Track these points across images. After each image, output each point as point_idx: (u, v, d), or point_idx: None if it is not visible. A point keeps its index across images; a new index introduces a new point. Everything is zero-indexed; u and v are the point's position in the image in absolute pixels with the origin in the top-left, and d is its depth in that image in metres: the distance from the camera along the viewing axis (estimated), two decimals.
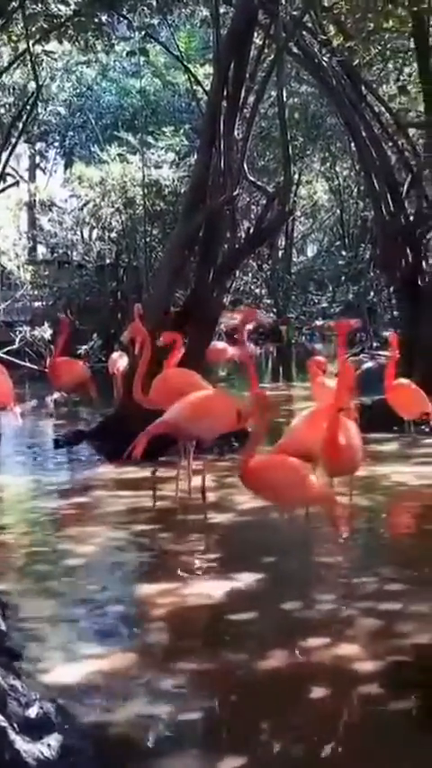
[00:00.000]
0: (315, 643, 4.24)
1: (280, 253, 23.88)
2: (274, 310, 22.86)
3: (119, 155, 17.03)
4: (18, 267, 17.59)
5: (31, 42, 11.75)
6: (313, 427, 6.11)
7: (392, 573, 5.27)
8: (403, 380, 8.93)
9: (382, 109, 11.97)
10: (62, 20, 11.47)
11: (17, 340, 14.64)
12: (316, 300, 23.24)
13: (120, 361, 10.48)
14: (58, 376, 9.58)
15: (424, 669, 4.03)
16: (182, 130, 18.48)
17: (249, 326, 7.20)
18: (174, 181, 16.76)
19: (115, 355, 10.80)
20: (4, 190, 15.35)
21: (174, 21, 14.66)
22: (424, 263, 11.60)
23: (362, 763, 3.33)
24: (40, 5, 11.18)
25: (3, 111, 18.87)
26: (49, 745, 3.23)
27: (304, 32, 11.07)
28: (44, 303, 16.75)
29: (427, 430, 9.25)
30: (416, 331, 10.43)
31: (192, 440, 6.82)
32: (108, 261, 18.11)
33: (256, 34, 10.27)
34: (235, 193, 9.59)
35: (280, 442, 6.28)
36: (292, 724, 3.57)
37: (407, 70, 12.80)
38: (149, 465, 7.79)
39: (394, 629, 4.41)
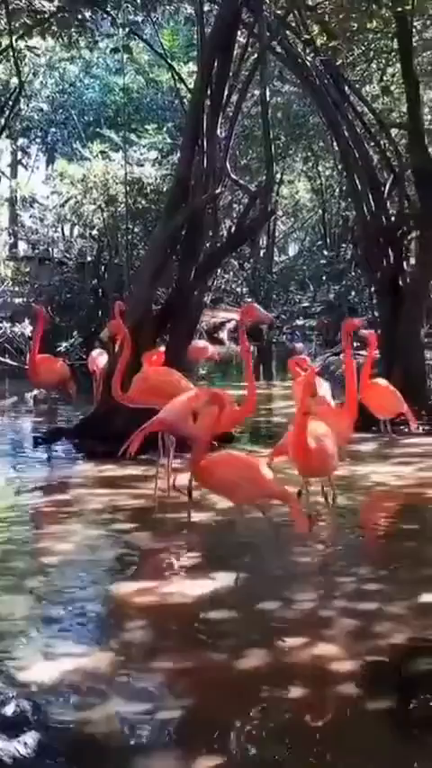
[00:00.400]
0: (293, 643, 4.25)
1: (261, 252, 23.91)
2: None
3: (101, 152, 16.92)
4: None
5: (14, 38, 11.69)
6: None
7: (370, 573, 5.29)
8: (379, 380, 8.92)
9: (365, 109, 11.97)
10: (46, 15, 11.41)
11: None
12: (297, 300, 23.26)
13: (99, 358, 10.44)
14: (38, 373, 9.51)
15: (400, 669, 4.04)
16: (165, 128, 18.46)
17: (248, 323, 7.18)
18: (156, 179, 16.70)
19: (95, 353, 10.75)
20: None
21: (158, 18, 14.59)
22: (405, 264, 11.66)
23: (339, 763, 3.33)
24: (23, 1, 11.11)
25: None
26: (25, 744, 3.25)
27: (288, 32, 11.07)
28: (25, 300, 16.63)
29: (405, 430, 9.31)
30: (396, 331, 10.45)
31: (186, 438, 6.77)
32: (89, 258, 18.04)
33: (239, 33, 10.28)
34: (217, 192, 9.61)
35: (281, 442, 6.32)
36: (270, 724, 3.57)
37: (390, 70, 12.78)
38: (130, 463, 7.80)
39: (371, 629, 4.43)
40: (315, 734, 3.52)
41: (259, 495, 5.43)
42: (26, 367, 10.06)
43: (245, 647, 4.19)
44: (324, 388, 7.33)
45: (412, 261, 12.24)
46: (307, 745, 3.41)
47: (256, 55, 10.61)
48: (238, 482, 5.23)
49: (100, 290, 17.12)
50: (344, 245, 21.15)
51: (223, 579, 5.07)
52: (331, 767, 3.30)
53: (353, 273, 19.03)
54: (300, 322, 22.30)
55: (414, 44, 10.63)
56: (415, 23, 10.38)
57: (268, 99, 10.66)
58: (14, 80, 14.97)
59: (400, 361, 10.19)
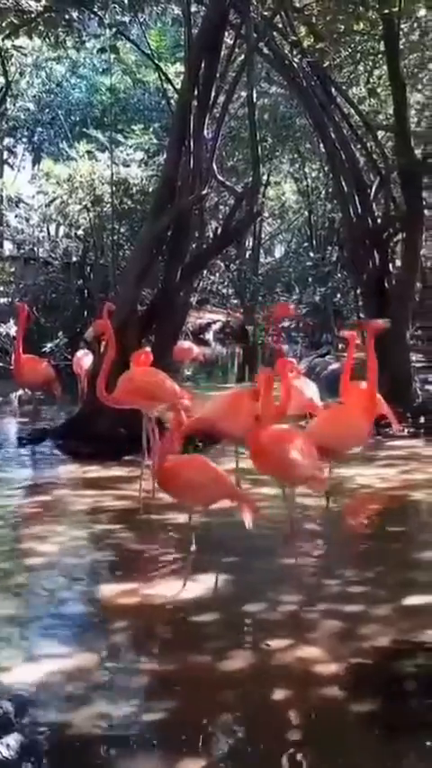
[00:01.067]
0: (277, 645, 4.25)
1: (247, 253, 23.87)
2: (241, 310, 22.85)
3: (87, 152, 16.83)
4: None
5: (0, 37, 11.62)
6: (330, 421, 6.36)
7: (355, 575, 5.29)
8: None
9: (352, 111, 12.02)
10: (32, 15, 11.35)
11: None
12: (283, 301, 23.25)
13: (84, 359, 10.37)
14: (22, 374, 9.42)
15: (384, 671, 4.05)
16: (151, 129, 18.37)
17: (284, 322, 7.14)
18: (142, 179, 16.63)
19: (80, 353, 10.68)
20: None
21: (145, 18, 14.55)
22: (391, 266, 11.65)
23: (323, 765, 3.33)
24: (10, 0, 11.05)
25: None
26: (8, 745, 3.26)
27: (275, 33, 11.07)
28: (9, 300, 16.53)
29: (390, 432, 9.30)
30: (382, 333, 10.44)
31: (224, 437, 6.80)
32: (75, 258, 17.90)
33: (227, 34, 10.26)
34: (204, 193, 9.59)
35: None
36: (254, 726, 3.58)
37: (377, 72, 12.80)
38: (115, 464, 7.84)
39: (356, 631, 4.43)
40: (299, 736, 3.52)
41: (221, 497, 5.32)
42: (11, 367, 9.97)
43: (229, 649, 4.19)
44: (312, 389, 7.34)
45: (398, 263, 12.21)
46: (290, 748, 3.40)
47: (243, 56, 10.63)
48: (204, 483, 5.15)
49: (85, 291, 17.04)
50: (330, 247, 21.15)
51: (208, 581, 5.08)
52: None
53: (339, 275, 19.04)
54: (286, 324, 22.27)
55: (401, 46, 10.69)
56: (402, 26, 10.40)
57: (255, 100, 10.67)
58: (0, 80, 14.92)
59: (386, 363, 10.16)
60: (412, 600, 4.88)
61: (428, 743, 3.45)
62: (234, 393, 6.82)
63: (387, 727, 3.57)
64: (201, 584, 5.03)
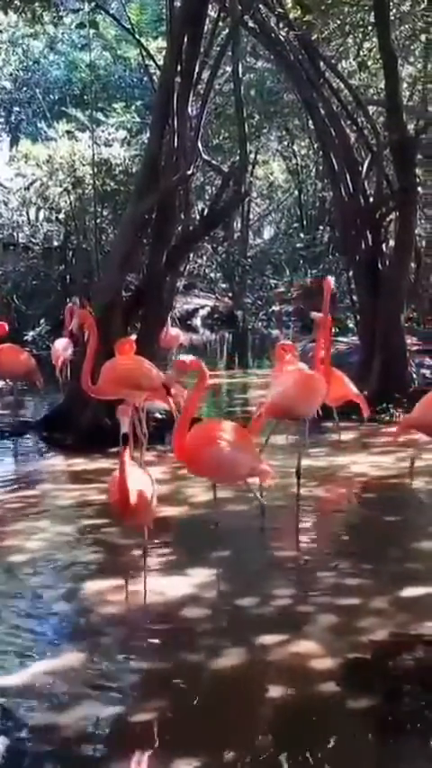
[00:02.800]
0: (271, 640, 4.21)
1: (236, 235, 23.68)
2: (230, 295, 22.59)
3: (67, 132, 16.69)
4: None
5: None
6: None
7: (350, 567, 5.23)
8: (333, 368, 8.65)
9: (342, 85, 11.79)
10: None
11: None
12: (273, 284, 23.07)
13: (61, 348, 10.33)
14: (2, 365, 9.22)
15: (381, 666, 3.95)
16: (133, 107, 18.23)
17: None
18: (125, 159, 16.45)
19: (58, 344, 10.55)
20: None
21: None
22: (384, 246, 11.44)
23: (319, 763, 3.27)
24: None
25: None
26: None
27: (261, 5, 10.76)
28: None
29: (357, 419, 9.11)
30: (376, 316, 10.24)
31: (295, 419, 6.67)
32: (56, 243, 17.84)
33: (210, 6, 10.02)
34: (189, 173, 9.41)
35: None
36: (248, 724, 3.54)
37: (366, 45, 12.55)
38: (100, 457, 7.76)
39: (352, 625, 4.37)
40: (294, 734, 3.48)
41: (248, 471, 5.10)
42: None
43: (222, 646, 4.15)
44: None
45: (391, 243, 11.95)
46: (286, 746, 3.38)
47: (227, 30, 10.37)
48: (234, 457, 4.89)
49: (67, 277, 16.91)
50: (321, 228, 20.94)
51: (199, 576, 5.00)
52: (311, 767, 3.25)
53: (330, 257, 18.82)
54: (276, 307, 22.08)
55: (391, 17, 10.46)
56: None
57: (241, 76, 10.55)
58: None
59: (381, 346, 10.00)
60: (410, 591, 4.80)
61: (428, 740, 3.41)
62: (302, 374, 6.70)
63: (384, 724, 3.50)
64: (192, 579, 4.97)
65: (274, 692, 3.77)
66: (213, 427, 5.15)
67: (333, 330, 14.54)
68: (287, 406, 6.25)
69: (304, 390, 6.29)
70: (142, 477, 4.63)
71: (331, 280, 7.38)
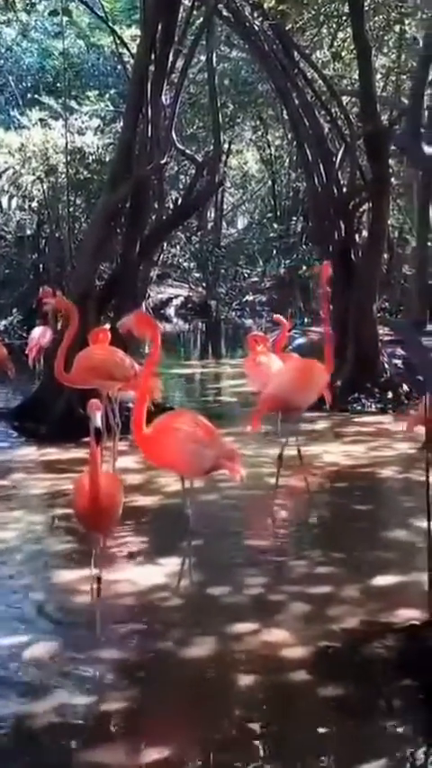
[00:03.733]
0: (243, 629, 4.20)
1: (209, 225, 23.59)
2: (203, 284, 22.55)
3: (40, 119, 16.49)
4: None
5: None
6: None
7: (322, 556, 5.23)
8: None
9: (315, 75, 11.78)
10: None
11: None
12: (246, 275, 23.05)
13: (38, 336, 10.22)
14: None
15: (353, 654, 3.94)
16: (107, 95, 18.03)
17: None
18: (98, 148, 16.32)
19: (35, 332, 10.45)
20: None
21: None
22: (357, 237, 11.47)
23: (290, 750, 3.28)
24: None
25: None
26: None
27: None
28: None
29: (358, 408, 9.21)
30: (348, 306, 10.25)
31: (294, 410, 6.57)
32: (29, 232, 17.67)
33: None
34: (163, 162, 9.41)
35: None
36: (219, 713, 3.51)
37: (341, 35, 12.58)
38: (73, 446, 7.67)
39: (323, 613, 4.37)
40: (265, 722, 3.45)
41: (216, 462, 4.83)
42: None
43: (193, 635, 4.13)
44: (278, 365, 7.31)
45: (364, 233, 12.01)
46: (257, 734, 3.37)
47: (201, 18, 10.43)
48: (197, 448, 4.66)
49: (40, 266, 16.74)
50: (294, 218, 20.91)
51: (171, 565, 4.95)
52: (283, 756, 3.25)
53: (303, 247, 18.82)
54: (249, 297, 22.07)
55: (366, 8, 10.45)
56: None
57: (215, 65, 10.46)
58: None
59: (353, 336, 10.02)
60: (380, 580, 4.79)
61: (397, 727, 3.39)
62: (303, 364, 6.66)
63: (355, 712, 3.48)
64: (164, 569, 4.94)
65: (246, 680, 3.75)
66: (176, 418, 4.89)
67: (306, 320, 14.60)
68: (286, 398, 6.23)
69: (303, 382, 6.25)
70: (112, 483, 4.37)
71: (329, 265, 7.23)
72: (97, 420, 3.94)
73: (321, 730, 3.39)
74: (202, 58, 13.02)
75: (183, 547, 5.13)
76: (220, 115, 10.78)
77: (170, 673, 3.84)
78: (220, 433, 5.30)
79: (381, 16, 11.97)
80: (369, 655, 3.91)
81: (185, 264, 24.08)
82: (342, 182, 11.22)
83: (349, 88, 12.81)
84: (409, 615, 4.23)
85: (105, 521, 4.23)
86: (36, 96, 18.80)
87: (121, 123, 11.16)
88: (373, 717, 3.45)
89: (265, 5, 10.38)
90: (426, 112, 10.64)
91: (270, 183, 23.28)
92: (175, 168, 17.88)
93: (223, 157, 17.85)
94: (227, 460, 4.81)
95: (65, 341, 6.73)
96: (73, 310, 6.91)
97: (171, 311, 21.60)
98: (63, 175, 15.50)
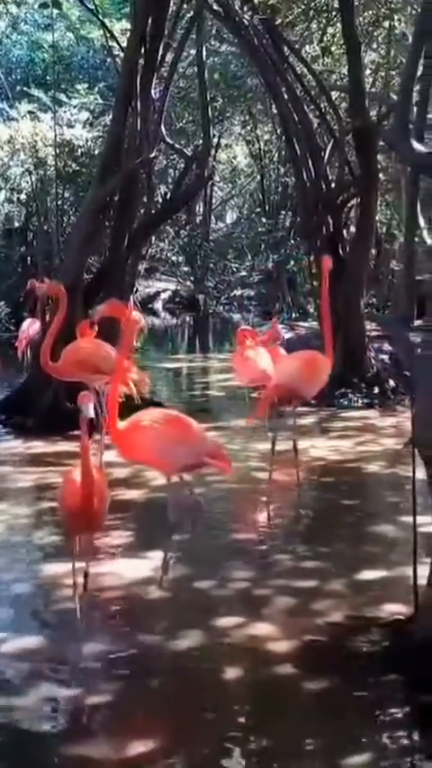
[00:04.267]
0: (229, 623, 4.21)
1: (198, 219, 23.54)
2: (191, 279, 22.52)
3: (29, 112, 16.41)
4: None
5: None
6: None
7: (308, 550, 5.24)
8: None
9: (305, 70, 11.76)
10: None
11: None
12: (235, 269, 23.02)
13: (27, 328, 10.21)
14: None
15: (338, 648, 3.96)
16: (96, 88, 17.96)
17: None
18: (87, 141, 16.32)
19: (25, 325, 10.42)
20: None
21: None
22: (345, 232, 11.47)
23: (275, 744, 3.27)
24: None
25: None
26: None
27: None
28: None
29: (345, 403, 9.25)
30: (336, 301, 10.25)
31: (299, 400, 6.66)
32: (17, 224, 17.66)
33: None
34: (152, 156, 9.39)
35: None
36: (204, 706, 3.52)
37: (330, 30, 12.54)
38: (60, 439, 7.67)
39: (309, 607, 4.38)
40: (250, 716, 3.47)
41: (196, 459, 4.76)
42: None
43: (179, 629, 4.13)
44: (266, 360, 7.31)
45: (352, 229, 12.01)
46: (243, 727, 3.38)
47: (192, 12, 10.38)
48: (174, 445, 4.60)
49: (28, 258, 16.67)
50: (283, 213, 20.86)
51: (157, 558, 4.91)
52: (268, 750, 3.23)
53: (292, 242, 18.79)
54: (237, 292, 22.05)
55: (355, 3, 10.42)
56: None
57: (205, 59, 10.43)
58: None
59: (340, 332, 10.00)
60: (366, 574, 4.81)
61: (381, 721, 3.40)
62: (309, 355, 6.70)
63: (340, 705, 3.49)
64: (150, 563, 4.92)
65: (232, 674, 3.77)
66: (150, 415, 4.77)
67: (294, 315, 14.62)
68: (292, 387, 6.31)
69: (310, 372, 6.34)
70: (100, 480, 4.22)
71: (329, 259, 7.30)
72: (90, 411, 3.92)
73: (306, 724, 3.41)
74: (192, 51, 12.97)
75: (169, 540, 5.11)
76: (209, 109, 10.74)
77: (156, 666, 3.84)
78: (205, 428, 5.26)
79: (370, 12, 11.95)
80: (354, 649, 3.92)
81: (174, 258, 24.04)
82: (330, 177, 11.18)
83: (338, 83, 12.75)
84: (394, 609, 4.25)
85: (96, 521, 4.17)
86: (25, 89, 18.69)
87: (111, 116, 11.12)
88: (357, 710, 3.46)
89: (256, 0, 10.36)
90: (414, 108, 10.64)
91: (259, 177, 23.23)
92: (165, 162, 17.85)
93: (212, 152, 17.85)
94: (211, 457, 4.72)
95: (53, 325, 6.72)
96: (63, 295, 6.91)
97: (159, 305, 21.56)
98: (52, 168, 15.47)
